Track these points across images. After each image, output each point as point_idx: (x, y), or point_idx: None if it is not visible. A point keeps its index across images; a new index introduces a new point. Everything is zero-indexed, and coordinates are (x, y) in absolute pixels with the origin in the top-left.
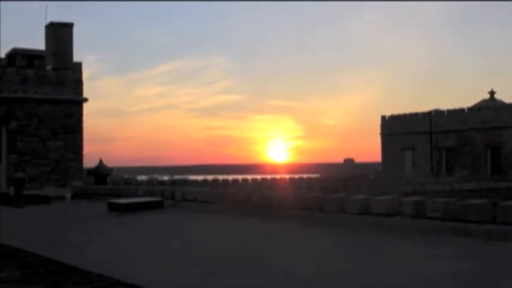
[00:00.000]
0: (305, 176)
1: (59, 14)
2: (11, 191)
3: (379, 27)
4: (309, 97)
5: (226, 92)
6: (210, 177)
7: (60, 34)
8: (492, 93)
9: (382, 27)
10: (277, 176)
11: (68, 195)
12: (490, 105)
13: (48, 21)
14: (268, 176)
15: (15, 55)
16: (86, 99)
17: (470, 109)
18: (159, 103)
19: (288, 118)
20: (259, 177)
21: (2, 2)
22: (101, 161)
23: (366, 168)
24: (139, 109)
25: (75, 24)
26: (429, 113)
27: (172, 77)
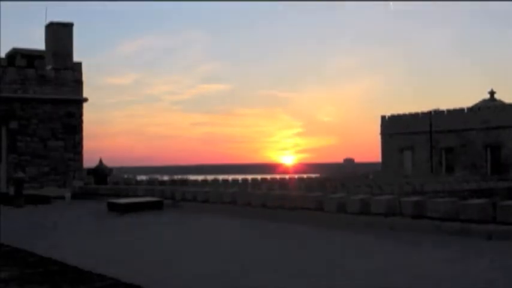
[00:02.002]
0: (305, 176)
1: None
2: (11, 191)
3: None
4: (304, 86)
5: (210, 80)
6: (210, 177)
7: (60, 34)
8: (492, 93)
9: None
10: (277, 176)
11: (68, 195)
12: (490, 105)
13: (48, 21)
14: (268, 176)
15: (15, 55)
16: (86, 99)
17: (470, 109)
18: (138, 94)
19: (282, 112)
20: (258, 177)
21: (2, 2)
22: (100, 161)
23: (366, 168)
24: (115, 102)
25: None
26: (429, 113)
27: (145, 61)
